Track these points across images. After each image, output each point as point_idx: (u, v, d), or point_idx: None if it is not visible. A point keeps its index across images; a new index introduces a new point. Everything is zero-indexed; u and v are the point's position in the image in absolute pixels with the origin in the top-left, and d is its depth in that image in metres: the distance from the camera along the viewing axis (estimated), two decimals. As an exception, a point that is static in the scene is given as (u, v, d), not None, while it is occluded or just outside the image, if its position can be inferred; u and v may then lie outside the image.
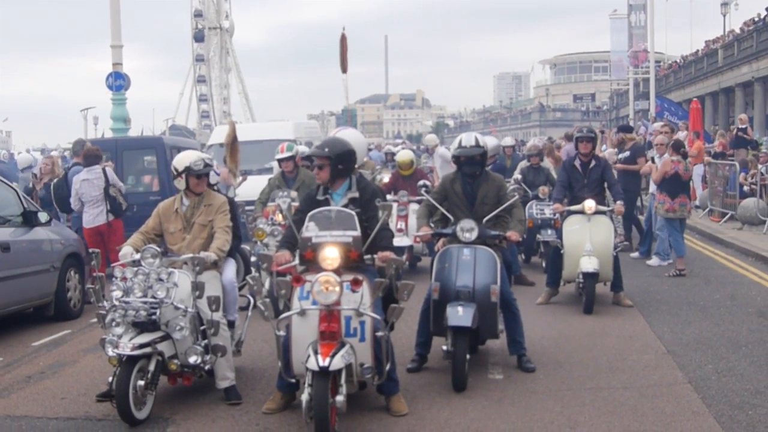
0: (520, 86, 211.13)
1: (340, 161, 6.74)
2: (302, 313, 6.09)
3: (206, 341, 6.81)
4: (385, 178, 15.75)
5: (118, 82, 22.91)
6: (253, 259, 10.07)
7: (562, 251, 10.49)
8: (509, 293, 7.81)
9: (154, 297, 6.52)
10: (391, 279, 6.35)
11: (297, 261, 6.42)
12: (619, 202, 10.49)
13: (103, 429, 6.45)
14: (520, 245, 13.43)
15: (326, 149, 6.78)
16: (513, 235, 7.64)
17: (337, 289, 5.93)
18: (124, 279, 6.62)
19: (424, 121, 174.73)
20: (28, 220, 10.37)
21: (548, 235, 12.47)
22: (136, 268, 6.66)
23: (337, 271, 6.06)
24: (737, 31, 45.82)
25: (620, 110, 70.80)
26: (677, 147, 13.18)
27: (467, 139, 7.99)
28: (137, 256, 6.81)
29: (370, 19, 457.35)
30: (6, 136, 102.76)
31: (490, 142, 12.69)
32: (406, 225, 12.87)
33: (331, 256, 6.07)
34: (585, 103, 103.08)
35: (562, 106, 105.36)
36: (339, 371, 5.86)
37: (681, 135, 21.20)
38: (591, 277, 10.16)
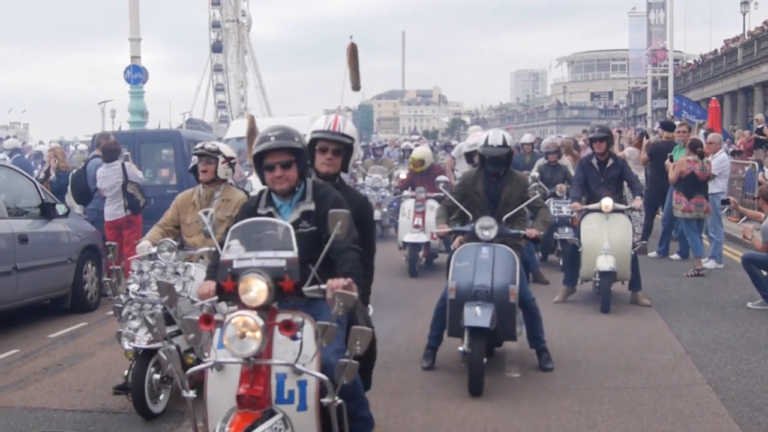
0: (537, 83, 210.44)
1: (304, 158, 4.86)
2: (218, 367, 4.25)
3: None
4: (402, 174, 15.73)
5: (136, 75, 22.95)
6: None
7: (579, 249, 10.44)
8: (528, 293, 7.62)
9: None
10: (353, 319, 4.69)
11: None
12: (637, 197, 10.50)
13: (119, 422, 6.45)
14: (537, 243, 13.44)
15: (296, 138, 4.79)
16: (532, 231, 7.48)
17: (258, 335, 4.05)
18: (140, 272, 6.62)
19: (440, 117, 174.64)
20: (46, 212, 10.39)
21: (565, 233, 12.42)
22: (152, 261, 6.64)
23: (265, 309, 4.17)
24: (753, 30, 45.51)
25: (638, 108, 70.44)
26: (694, 146, 13.08)
27: (494, 137, 7.73)
28: (154, 250, 6.77)
29: (388, 13, 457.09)
30: (24, 128, 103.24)
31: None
32: (423, 221, 12.82)
33: (254, 288, 4.14)
34: (602, 101, 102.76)
35: (579, 104, 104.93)
36: None
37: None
38: (607, 276, 10.12)
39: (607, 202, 10.24)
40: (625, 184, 10.81)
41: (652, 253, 14.17)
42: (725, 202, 11.10)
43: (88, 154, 15.36)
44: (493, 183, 7.75)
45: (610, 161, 10.63)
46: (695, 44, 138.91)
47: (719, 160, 13.73)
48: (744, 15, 50.90)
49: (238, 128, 23.50)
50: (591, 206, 10.44)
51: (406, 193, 13.47)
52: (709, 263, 13.29)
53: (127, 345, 6.46)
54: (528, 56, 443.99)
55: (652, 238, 14.84)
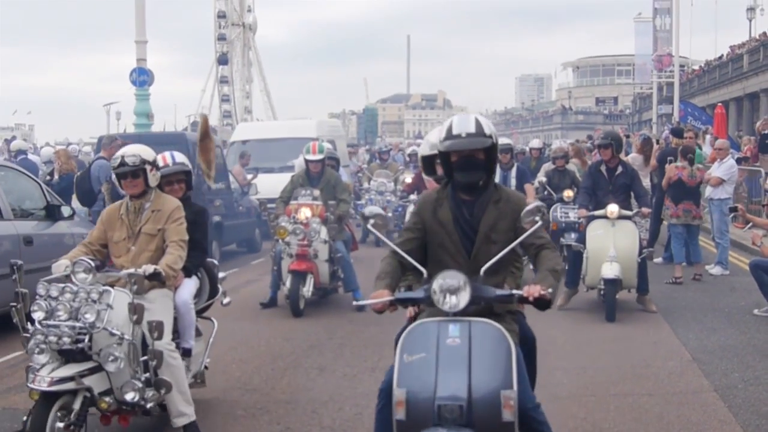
0: (542, 88, 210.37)
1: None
2: None
3: (148, 374, 5.65)
4: (408, 178, 15.71)
5: (142, 77, 22.94)
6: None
7: (585, 256, 10.38)
8: (531, 399, 4.44)
9: (82, 320, 5.35)
10: None
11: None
12: (644, 208, 10.42)
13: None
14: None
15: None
16: (533, 289, 4.24)
17: None
18: (48, 297, 5.43)
19: (444, 122, 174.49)
20: (51, 214, 10.38)
21: (571, 238, 12.39)
22: (63, 285, 5.48)
23: None
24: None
25: (643, 114, 70.48)
26: (685, 153, 13.07)
27: (461, 123, 4.59)
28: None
29: (393, 17, 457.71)
30: (29, 130, 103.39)
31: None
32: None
33: None
34: (607, 107, 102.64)
35: (584, 109, 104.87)
36: None
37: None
38: (612, 284, 10.02)
39: (612, 208, 10.17)
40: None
41: (658, 259, 14.14)
42: (733, 209, 11.05)
43: (92, 156, 15.35)
44: (467, 206, 4.64)
45: (619, 169, 10.55)
46: (701, 50, 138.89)
47: (727, 166, 13.70)
48: (750, 21, 50.98)
49: (243, 131, 23.52)
50: (597, 212, 10.37)
51: (412, 197, 13.43)
52: (715, 269, 13.26)
53: (30, 383, 5.35)
54: (533, 61, 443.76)
55: (658, 245, 14.81)
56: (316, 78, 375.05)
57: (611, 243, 10.14)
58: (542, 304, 4.27)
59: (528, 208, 4.40)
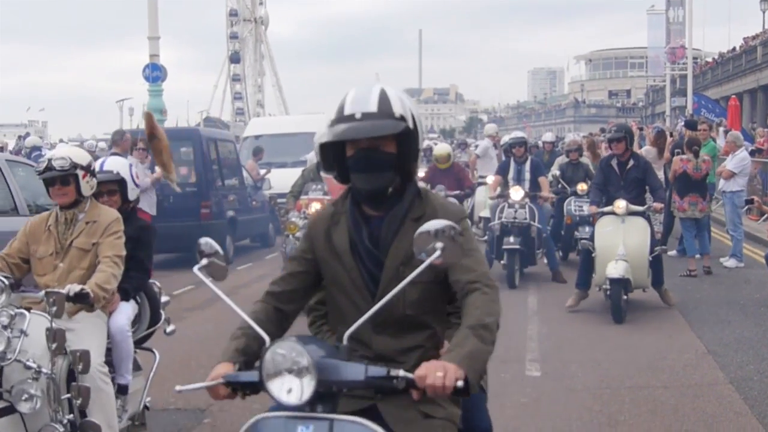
0: (554, 82, 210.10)
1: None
2: None
3: (72, 416, 4.60)
4: (421, 172, 15.70)
5: (155, 73, 23.01)
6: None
7: (593, 254, 9.89)
8: None
9: None
10: None
11: None
12: (657, 202, 10.00)
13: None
14: (557, 242, 13.38)
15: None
16: (429, 374, 2.61)
17: None
18: None
19: (457, 116, 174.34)
20: (66, 209, 10.40)
21: (585, 232, 12.36)
22: None
23: None
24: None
25: (656, 107, 70.17)
26: (690, 145, 13.00)
27: (357, 98, 3.06)
28: None
29: (405, 11, 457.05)
30: (42, 126, 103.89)
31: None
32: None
33: None
34: (620, 100, 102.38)
35: (597, 102, 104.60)
36: None
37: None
38: (618, 284, 9.42)
39: (620, 204, 9.66)
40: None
41: (672, 252, 14.08)
42: (749, 201, 11.00)
43: (108, 152, 15.41)
44: (373, 224, 3.13)
45: (631, 162, 10.06)
46: (714, 42, 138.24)
47: (740, 159, 13.64)
48: (764, 12, 50.57)
49: (256, 126, 23.56)
50: (605, 209, 9.92)
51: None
52: (729, 262, 13.21)
53: None
54: (545, 54, 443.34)
55: (672, 238, 14.77)
56: (327, 73, 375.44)
57: (620, 240, 9.61)
58: (457, 390, 2.63)
59: (423, 228, 2.77)
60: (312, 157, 11.94)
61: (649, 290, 10.30)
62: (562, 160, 13.82)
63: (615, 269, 9.41)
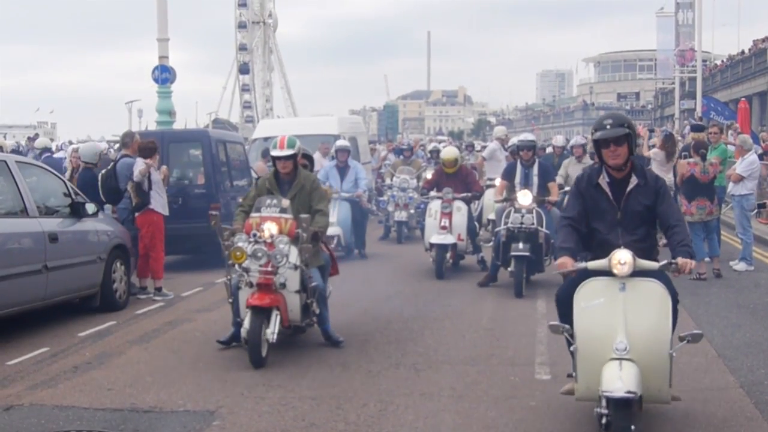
0: (563, 84, 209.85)
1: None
2: None
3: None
4: (428, 175, 15.69)
5: (164, 75, 23.04)
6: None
7: (571, 348, 5.78)
8: None
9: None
10: None
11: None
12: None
13: (149, 420, 6.44)
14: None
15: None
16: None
17: None
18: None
19: (465, 118, 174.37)
20: (76, 211, 10.45)
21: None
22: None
23: None
24: None
25: (665, 109, 70.01)
26: (697, 148, 12.94)
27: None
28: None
29: (413, 13, 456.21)
30: (51, 128, 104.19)
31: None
32: (450, 222, 12.73)
33: None
34: (629, 102, 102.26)
35: (605, 105, 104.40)
36: None
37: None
38: (624, 405, 5.31)
39: (621, 257, 5.52)
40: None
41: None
42: (761, 206, 10.93)
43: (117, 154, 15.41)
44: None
45: (633, 181, 5.97)
46: (723, 44, 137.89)
47: (749, 162, 13.59)
48: (773, 15, 50.44)
49: (265, 128, 23.56)
50: (591, 264, 5.69)
51: (432, 194, 13.32)
52: (739, 265, 13.17)
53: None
54: (554, 56, 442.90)
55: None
56: (336, 75, 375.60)
57: (619, 323, 5.48)
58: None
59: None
60: (317, 158, 11.82)
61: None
62: (569, 162, 13.78)
63: (619, 380, 5.31)
